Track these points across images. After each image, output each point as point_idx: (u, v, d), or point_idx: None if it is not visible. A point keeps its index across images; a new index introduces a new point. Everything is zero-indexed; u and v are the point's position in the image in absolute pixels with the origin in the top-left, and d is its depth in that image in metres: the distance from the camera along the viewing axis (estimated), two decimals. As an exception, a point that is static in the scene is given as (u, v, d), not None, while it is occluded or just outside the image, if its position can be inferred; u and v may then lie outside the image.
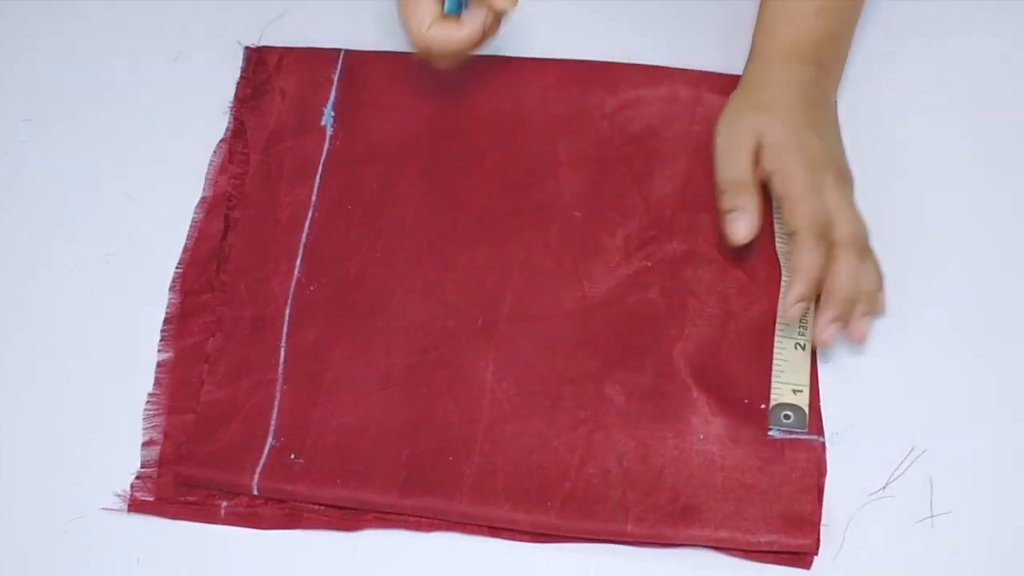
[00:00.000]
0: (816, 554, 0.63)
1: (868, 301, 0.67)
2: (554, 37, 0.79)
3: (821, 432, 0.66)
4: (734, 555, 0.64)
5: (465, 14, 0.67)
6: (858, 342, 0.68)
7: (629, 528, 0.64)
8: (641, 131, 0.75)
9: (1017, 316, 0.69)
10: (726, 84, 0.75)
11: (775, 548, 0.63)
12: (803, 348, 0.68)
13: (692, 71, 0.77)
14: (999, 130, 0.75)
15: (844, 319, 0.66)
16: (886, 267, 0.70)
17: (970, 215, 0.72)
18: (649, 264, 0.71)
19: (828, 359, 0.68)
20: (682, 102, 0.76)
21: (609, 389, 0.68)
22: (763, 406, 0.67)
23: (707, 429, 0.66)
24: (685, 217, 0.72)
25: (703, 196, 0.72)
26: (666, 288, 0.70)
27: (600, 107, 0.76)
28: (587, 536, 0.64)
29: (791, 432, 0.66)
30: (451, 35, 0.68)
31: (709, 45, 0.78)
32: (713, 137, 0.73)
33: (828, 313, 0.66)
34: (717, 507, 0.64)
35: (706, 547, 0.64)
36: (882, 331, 0.69)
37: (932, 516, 0.64)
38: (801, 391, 0.67)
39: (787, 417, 0.66)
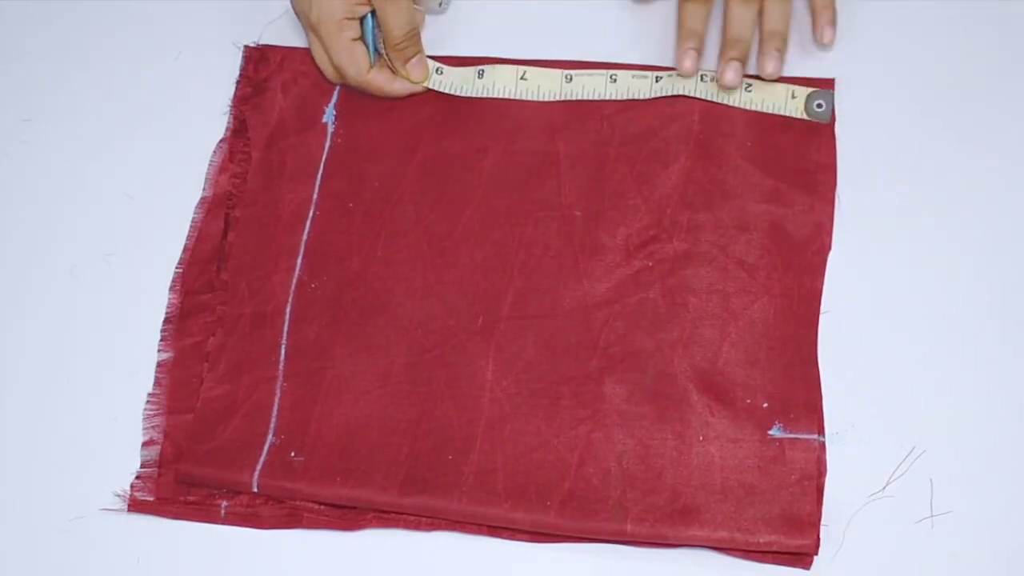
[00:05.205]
0: (816, 554, 0.63)
1: (779, 40, 0.75)
2: (553, 37, 0.79)
3: (821, 432, 0.66)
4: (734, 555, 0.64)
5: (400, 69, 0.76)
6: (770, 77, 0.75)
7: (628, 528, 0.64)
8: (641, 131, 0.75)
9: (1017, 316, 0.69)
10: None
11: (775, 548, 0.63)
12: None
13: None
14: (1001, 128, 0.75)
15: (742, 59, 0.74)
16: (886, 268, 0.70)
17: (971, 215, 0.72)
18: (650, 263, 0.71)
19: (828, 359, 0.68)
20: (681, 102, 0.76)
21: (609, 389, 0.68)
22: (764, 405, 0.67)
23: (707, 430, 0.66)
24: (686, 216, 0.72)
25: (704, 195, 0.73)
26: (667, 287, 0.70)
27: (600, 108, 0.76)
28: (587, 536, 0.64)
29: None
30: (384, 85, 0.76)
31: (707, 45, 0.78)
32: (714, 137, 0.73)
33: (726, 54, 0.74)
34: (717, 507, 0.64)
35: (706, 547, 0.64)
36: (882, 331, 0.69)
37: (932, 516, 0.64)
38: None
39: (819, 106, 0.72)
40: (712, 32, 0.77)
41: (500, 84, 0.76)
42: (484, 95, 0.76)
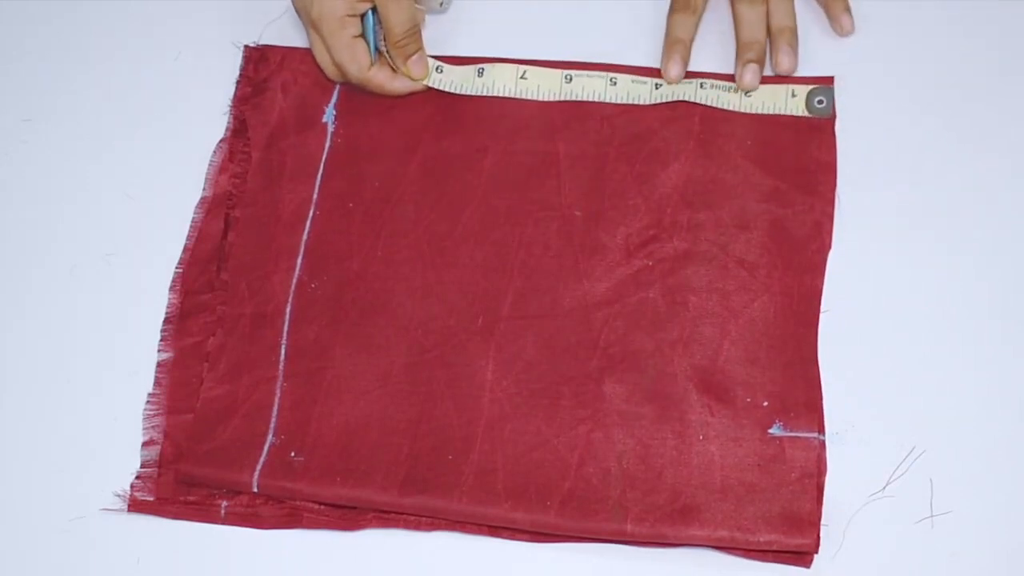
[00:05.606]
0: (816, 553, 0.63)
1: (789, 35, 0.76)
2: (553, 37, 0.79)
3: (821, 430, 0.66)
4: (734, 554, 0.64)
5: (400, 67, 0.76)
6: (786, 72, 0.76)
7: (629, 528, 0.64)
8: (641, 131, 0.75)
9: (1017, 316, 0.69)
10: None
11: (775, 548, 0.63)
12: None
13: (689, 72, 0.77)
14: (1001, 128, 0.75)
15: (759, 61, 0.76)
16: (886, 268, 0.70)
17: (971, 215, 0.72)
18: (650, 263, 0.71)
19: (828, 359, 0.68)
20: (682, 103, 0.75)
21: (609, 388, 0.68)
22: (764, 404, 0.67)
23: (707, 428, 0.66)
24: (686, 216, 0.72)
25: (704, 194, 0.73)
26: (667, 287, 0.70)
27: (600, 109, 0.76)
28: (587, 536, 0.64)
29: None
30: (384, 83, 0.76)
31: (706, 45, 0.78)
32: (714, 137, 0.74)
33: (743, 56, 0.75)
34: (717, 507, 0.64)
35: (706, 547, 0.64)
36: (882, 331, 0.69)
37: (932, 516, 0.64)
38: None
39: (820, 102, 0.73)
40: (709, 40, 0.78)
41: (500, 83, 0.76)
42: (484, 93, 0.76)
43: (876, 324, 0.69)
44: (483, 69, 0.77)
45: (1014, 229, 0.72)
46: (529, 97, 0.76)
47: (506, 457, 0.66)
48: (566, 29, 0.79)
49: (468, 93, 0.76)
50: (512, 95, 0.76)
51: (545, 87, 0.76)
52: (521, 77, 0.76)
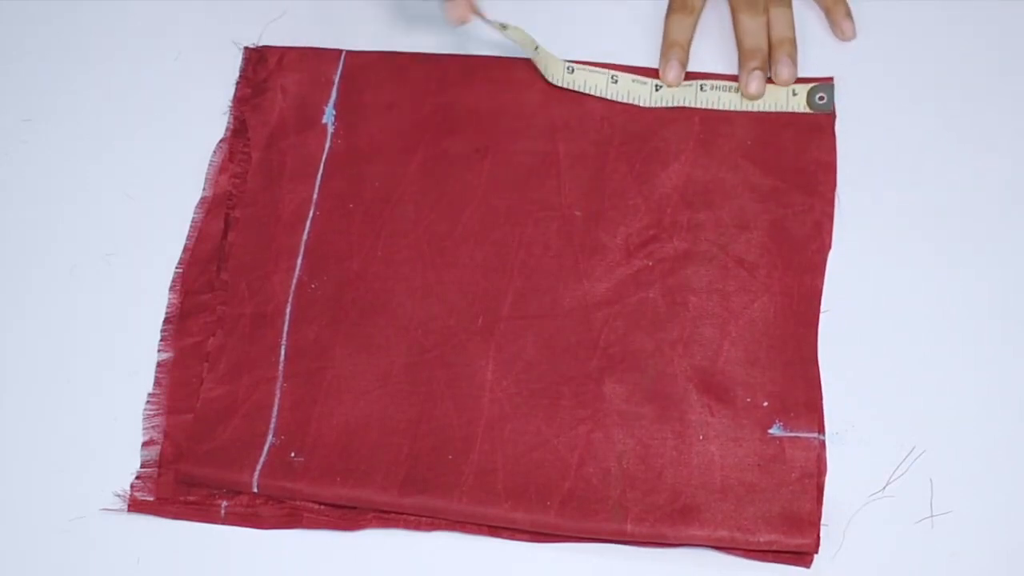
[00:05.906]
0: (816, 553, 0.63)
1: (789, 46, 0.76)
2: (552, 37, 0.79)
3: (821, 430, 0.66)
4: (734, 555, 0.64)
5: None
6: (785, 83, 0.76)
7: (628, 528, 0.64)
8: (641, 130, 0.75)
9: (1017, 316, 0.69)
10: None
11: (775, 548, 0.63)
12: None
13: (689, 72, 0.77)
14: (1001, 128, 0.75)
15: (763, 69, 0.76)
16: (886, 268, 0.70)
17: (971, 215, 0.72)
18: (650, 263, 0.71)
19: (828, 359, 0.68)
20: (682, 101, 0.76)
21: (609, 388, 0.68)
22: (764, 404, 0.67)
23: (707, 429, 0.66)
24: (686, 216, 0.72)
25: (704, 194, 0.73)
26: (667, 287, 0.70)
27: (600, 109, 0.76)
28: (587, 536, 0.64)
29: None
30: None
31: (706, 45, 0.78)
32: (714, 136, 0.74)
33: (747, 65, 0.75)
34: (717, 507, 0.64)
35: (706, 547, 0.64)
36: (882, 331, 0.69)
37: (932, 516, 0.64)
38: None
39: (821, 99, 0.73)
40: (709, 40, 0.78)
41: (517, 36, 0.76)
42: (502, 54, 0.77)
43: (876, 324, 0.69)
44: (507, 26, 0.76)
45: (1014, 229, 0.72)
46: (539, 68, 0.76)
47: (506, 457, 0.66)
48: (566, 29, 0.79)
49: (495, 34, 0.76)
50: (528, 56, 0.76)
51: (552, 69, 0.76)
52: (535, 48, 0.76)
